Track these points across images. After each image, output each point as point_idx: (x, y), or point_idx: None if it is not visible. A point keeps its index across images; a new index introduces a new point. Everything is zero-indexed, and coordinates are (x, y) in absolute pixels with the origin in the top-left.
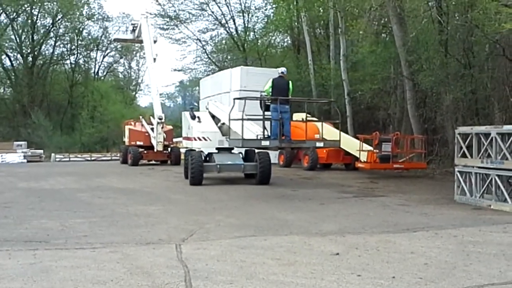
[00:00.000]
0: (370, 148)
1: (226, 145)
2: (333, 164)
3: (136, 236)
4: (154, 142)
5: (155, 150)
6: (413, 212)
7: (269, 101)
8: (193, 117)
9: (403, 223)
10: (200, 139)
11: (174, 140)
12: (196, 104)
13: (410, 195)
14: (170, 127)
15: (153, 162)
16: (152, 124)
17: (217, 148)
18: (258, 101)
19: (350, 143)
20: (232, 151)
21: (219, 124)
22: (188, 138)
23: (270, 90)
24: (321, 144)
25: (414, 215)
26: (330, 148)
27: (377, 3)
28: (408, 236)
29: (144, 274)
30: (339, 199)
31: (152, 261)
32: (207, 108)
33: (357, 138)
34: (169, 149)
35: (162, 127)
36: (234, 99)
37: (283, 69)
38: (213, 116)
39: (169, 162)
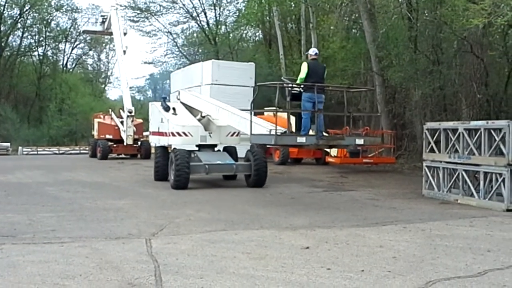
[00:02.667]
0: None
1: (209, 141)
2: (303, 158)
3: (106, 231)
4: (123, 135)
5: (124, 143)
6: (382, 206)
7: (300, 88)
8: (166, 109)
9: (372, 217)
10: (179, 135)
11: (144, 133)
12: (166, 97)
13: (379, 190)
14: (140, 120)
15: (122, 156)
16: (121, 118)
17: (197, 145)
18: (252, 91)
19: None
20: (216, 148)
21: (198, 117)
22: (160, 133)
23: (304, 76)
24: (361, 141)
25: (383, 209)
26: None
27: None
28: (377, 230)
29: (113, 269)
30: (310, 193)
31: (122, 255)
32: (178, 99)
33: (328, 133)
34: (139, 142)
35: (132, 121)
36: (258, 85)
37: (315, 50)
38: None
39: (139, 156)
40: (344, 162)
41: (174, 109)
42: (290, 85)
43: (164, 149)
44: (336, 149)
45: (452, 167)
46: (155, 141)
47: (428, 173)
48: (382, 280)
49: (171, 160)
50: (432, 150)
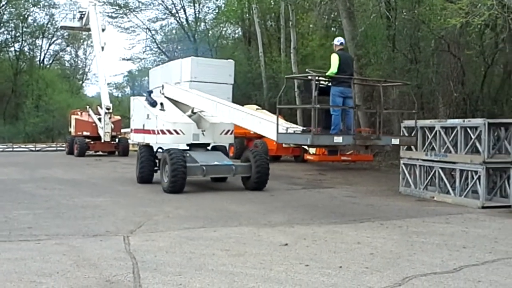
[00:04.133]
0: None
1: (202, 139)
2: (282, 156)
3: (83, 228)
4: (101, 132)
5: (102, 140)
6: (360, 204)
7: (328, 82)
8: (153, 104)
9: (350, 214)
10: (170, 133)
11: (122, 130)
12: (144, 94)
13: (357, 187)
14: (118, 117)
15: (100, 153)
16: (99, 114)
17: (188, 145)
18: (231, 88)
19: None
20: (208, 147)
21: (188, 113)
22: (146, 131)
23: (336, 69)
24: (397, 141)
25: (361, 206)
26: None
27: None
28: (355, 226)
29: (91, 266)
30: (288, 190)
31: (99, 253)
32: (162, 93)
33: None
34: (117, 139)
35: (110, 117)
36: (286, 77)
37: (341, 39)
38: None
39: (116, 153)
40: (322, 159)
41: (162, 104)
42: (318, 78)
43: (149, 149)
44: None
45: (428, 164)
46: (138, 139)
47: (405, 170)
48: (359, 276)
49: (163, 161)
50: (409, 148)
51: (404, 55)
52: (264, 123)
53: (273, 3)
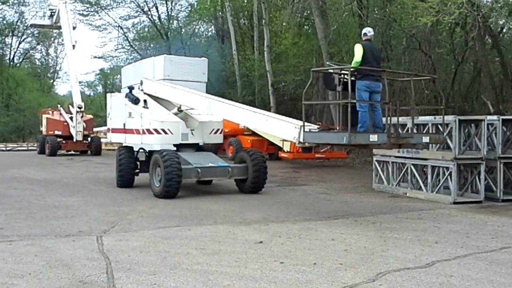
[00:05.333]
0: None
1: (192, 139)
2: None
3: (55, 228)
4: (73, 131)
5: (74, 140)
6: (334, 200)
7: (353, 76)
8: (135, 101)
9: (324, 211)
10: (157, 132)
11: (95, 129)
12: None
13: (331, 184)
14: (90, 116)
15: (72, 152)
16: (71, 113)
17: (175, 145)
18: (205, 86)
19: None
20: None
21: (173, 111)
22: (128, 131)
23: (360, 59)
24: (427, 139)
25: (335, 203)
26: (254, 138)
27: None
28: (329, 223)
29: (64, 266)
30: (263, 188)
31: (72, 253)
32: (141, 90)
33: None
34: (89, 139)
35: (82, 116)
36: (313, 70)
37: (371, 30)
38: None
39: (89, 152)
40: (296, 157)
41: (145, 101)
42: (340, 72)
43: (129, 150)
44: (289, 144)
45: (401, 161)
46: (118, 139)
47: (378, 167)
48: (334, 272)
49: (154, 163)
50: None
51: None
52: (272, 121)
53: (246, 1)
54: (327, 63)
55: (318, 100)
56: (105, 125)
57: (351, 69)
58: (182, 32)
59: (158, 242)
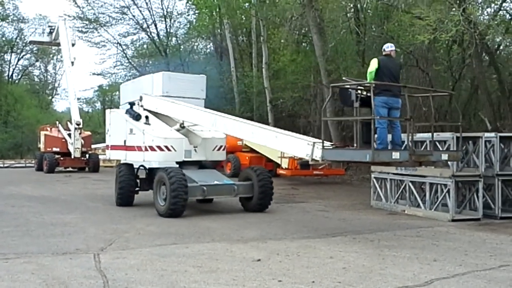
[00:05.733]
0: (291, 155)
1: (195, 156)
2: None
3: (52, 246)
4: (71, 148)
5: (72, 156)
6: (332, 218)
7: (368, 91)
8: (137, 117)
9: (322, 229)
10: (161, 149)
11: (93, 146)
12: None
13: (329, 201)
14: (89, 133)
15: (70, 169)
16: (69, 130)
17: (177, 162)
18: (203, 103)
19: (272, 150)
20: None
21: (175, 127)
22: (129, 148)
23: (374, 74)
24: (446, 156)
25: (333, 220)
26: (252, 155)
27: (298, 12)
28: (327, 241)
29: (60, 285)
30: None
31: (69, 271)
32: (141, 106)
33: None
34: (87, 155)
35: (80, 133)
36: (333, 86)
37: (391, 45)
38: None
39: (87, 169)
40: (295, 174)
41: (147, 117)
42: (357, 87)
43: (129, 167)
44: (287, 161)
45: (399, 178)
46: (118, 156)
47: (376, 184)
48: None
49: (158, 181)
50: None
51: None
52: (282, 138)
53: (244, 18)
54: (344, 78)
55: (316, 116)
56: (104, 141)
57: (372, 85)
58: (181, 49)
59: (155, 260)
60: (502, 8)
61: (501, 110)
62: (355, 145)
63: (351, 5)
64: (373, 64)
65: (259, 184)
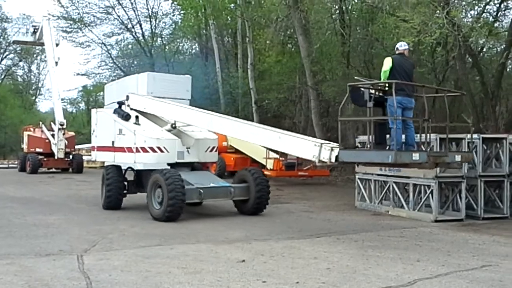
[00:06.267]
0: (276, 156)
1: (187, 158)
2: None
3: (35, 247)
4: (54, 149)
5: (55, 157)
6: (317, 218)
7: (378, 92)
8: (126, 117)
9: (307, 229)
10: (153, 150)
11: (77, 147)
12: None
13: (314, 202)
14: (72, 133)
15: (53, 170)
16: (53, 130)
17: (169, 164)
18: (188, 104)
19: (257, 151)
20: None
21: (166, 127)
22: (118, 149)
23: (388, 74)
24: (459, 158)
25: (318, 221)
26: (237, 156)
27: (283, 14)
28: (312, 241)
29: (43, 286)
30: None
31: (52, 272)
32: (128, 105)
33: (264, 146)
34: (70, 156)
35: (64, 134)
36: (349, 85)
37: (404, 44)
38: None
39: (70, 170)
40: (280, 175)
41: (137, 117)
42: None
43: (118, 169)
44: (272, 162)
45: (383, 179)
46: (106, 158)
47: (360, 185)
48: None
49: (153, 183)
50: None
51: (358, 71)
52: (286, 139)
53: (230, 19)
54: (356, 77)
55: (302, 117)
56: (88, 142)
57: (394, 83)
58: (166, 50)
59: (139, 261)
60: (485, 11)
61: (484, 112)
62: (368, 146)
63: (336, 7)
64: (387, 63)
65: (256, 187)
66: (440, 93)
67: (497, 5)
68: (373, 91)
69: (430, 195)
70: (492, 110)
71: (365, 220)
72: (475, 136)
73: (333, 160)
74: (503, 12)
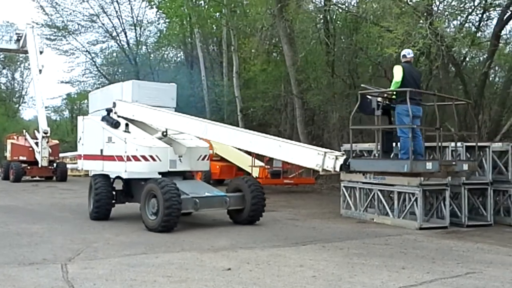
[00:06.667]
0: (262, 164)
1: (180, 167)
2: (225, 179)
3: (19, 256)
4: (38, 157)
5: (39, 165)
6: (302, 226)
7: (386, 100)
8: (115, 125)
9: (292, 237)
10: (145, 159)
11: (61, 155)
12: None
13: (299, 210)
14: (56, 141)
15: (37, 178)
16: (36, 138)
17: (160, 173)
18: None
19: (243, 159)
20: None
21: (157, 135)
22: (108, 157)
23: (400, 82)
24: (466, 167)
25: (303, 229)
26: (223, 164)
27: (268, 23)
28: (297, 249)
29: None
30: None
31: (36, 282)
32: (115, 113)
33: (249, 154)
34: (54, 164)
35: (48, 142)
36: (361, 93)
37: (411, 51)
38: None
39: (54, 178)
40: (265, 183)
41: (127, 125)
42: (377, 94)
43: (107, 178)
44: (258, 170)
45: (368, 187)
46: (94, 167)
47: (345, 193)
48: None
49: (147, 193)
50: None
51: (343, 80)
52: (287, 147)
53: (215, 27)
54: (363, 85)
55: (287, 126)
56: (72, 150)
57: (411, 90)
58: (151, 58)
59: (124, 270)
60: (467, 21)
61: (467, 120)
62: (376, 154)
63: (321, 16)
64: (399, 72)
65: (252, 196)
66: (448, 102)
67: (479, 16)
68: (379, 99)
69: (415, 202)
70: (475, 119)
71: (350, 228)
72: (458, 144)
73: (337, 169)
74: (485, 22)
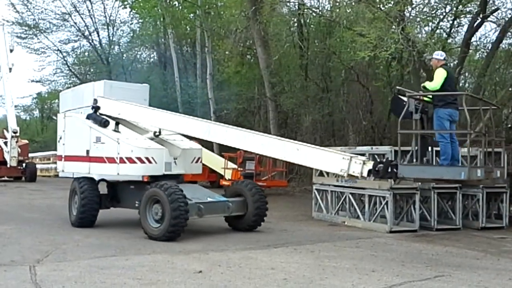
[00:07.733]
0: (235, 166)
1: (175, 170)
2: (198, 181)
3: None
4: (7, 157)
5: (8, 165)
6: (274, 229)
7: (419, 103)
8: (104, 123)
9: (264, 240)
10: (141, 161)
11: (30, 155)
12: (54, 117)
13: (271, 212)
14: (26, 141)
15: (5, 178)
16: (5, 138)
17: (153, 176)
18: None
19: (215, 161)
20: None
21: (148, 135)
22: (94, 159)
23: (439, 86)
24: (498, 174)
25: (275, 231)
26: None
27: (242, 25)
28: (269, 252)
29: None
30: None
31: (3, 284)
32: (96, 109)
33: (222, 156)
34: (24, 164)
35: (17, 141)
36: (395, 93)
37: (443, 53)
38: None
39: (23, 179)
40: None
41: (117, 124)
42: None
43: (93, 182)
44: (231, 172)
45: (339, 190)
46: (78, 169)
47: (317, 196)
48: None
49: (149, 198)
50: (321, 174)
51: (316, 84)
52: (307, 151)
53: (189, 29)
54: (397, 88)
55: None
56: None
57: (466, 94)
58: (124, 58)
59: (94, 272)
60: (439, 27)
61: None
62: (414, 160)
63: (295, 20)
64: (442, 74)
65: (254, 200)
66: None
67: (450, 22)
68: (416, 103)
69: (385, 206)
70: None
71: (322, 231)
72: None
73: (365, 174)
74: (456, 28)
